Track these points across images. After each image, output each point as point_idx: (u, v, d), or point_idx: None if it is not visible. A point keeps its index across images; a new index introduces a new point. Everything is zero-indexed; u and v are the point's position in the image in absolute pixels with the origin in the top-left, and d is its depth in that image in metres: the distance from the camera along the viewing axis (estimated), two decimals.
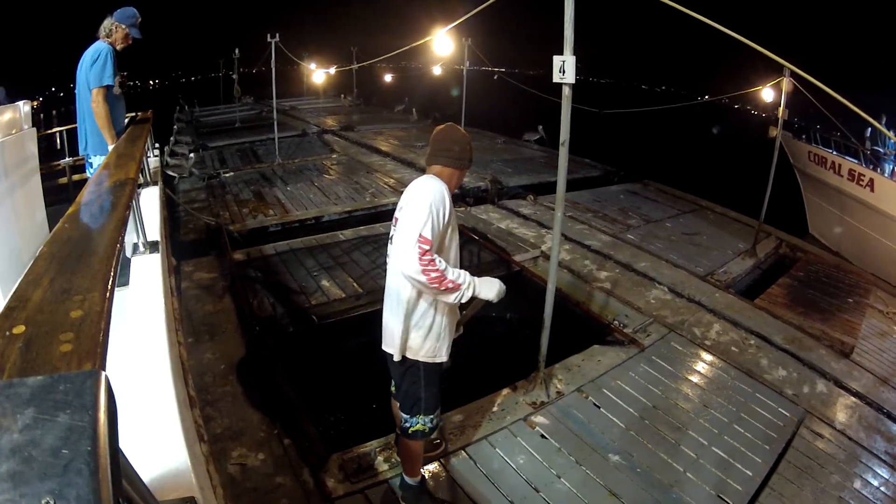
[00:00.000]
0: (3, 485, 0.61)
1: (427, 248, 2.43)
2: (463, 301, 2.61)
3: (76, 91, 4.69)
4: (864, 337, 5.44)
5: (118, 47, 4.62)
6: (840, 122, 9.62)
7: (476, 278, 2.62)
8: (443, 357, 2.80)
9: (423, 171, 2.80)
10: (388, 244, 2.80)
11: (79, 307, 1.10)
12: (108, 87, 4.46)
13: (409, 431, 2.88)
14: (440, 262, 2.47)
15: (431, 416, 2.88)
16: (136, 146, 3.71)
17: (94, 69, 4.37)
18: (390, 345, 2.79)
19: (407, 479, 3.10)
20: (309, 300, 5.55)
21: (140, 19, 4.73)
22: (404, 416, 2.88)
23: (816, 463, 3.68)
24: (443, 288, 2.47)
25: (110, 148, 4.37)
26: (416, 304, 2.65)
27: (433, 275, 2.43)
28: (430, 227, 2.45)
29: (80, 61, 4.56)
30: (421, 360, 2.74)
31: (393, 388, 3.09)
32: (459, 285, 2.52)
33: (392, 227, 2.77)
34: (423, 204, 2.48)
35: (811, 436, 3.95)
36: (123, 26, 4.61)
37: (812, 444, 3.86)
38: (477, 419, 3.86)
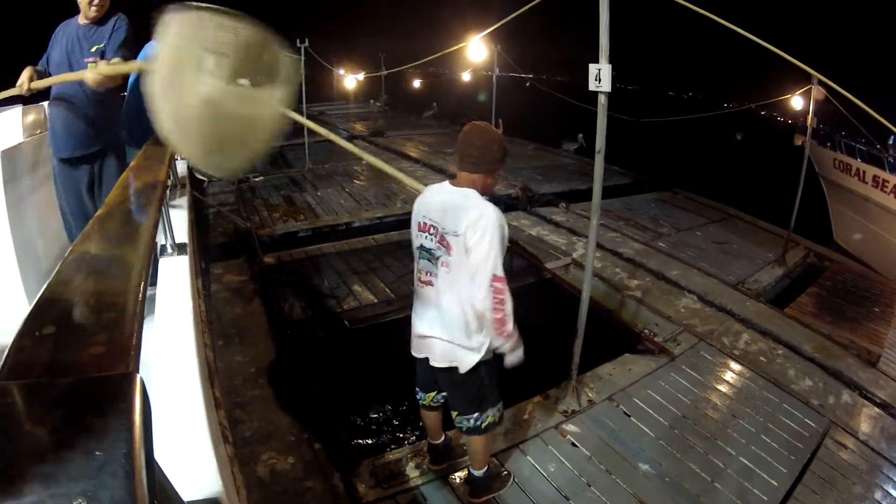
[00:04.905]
0: (33, 485, 0.60)
1: (501, 285, 2.39)
2: (502, 351, 2.54)
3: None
4: (891, 346, 5.38)
5: None
6: (866, 130, 9.47)
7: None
8: None
9: (453, 177, 2.73)
10: (423, 258, 2.74)
11: (110, 309, 1.09)
12: None
13: (483, 427, 2.81)
14: (509, 301, 2.41)
15: (499, 404, 2.85)
16: (165, 148, 3.72)
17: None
18: (446, 359, 2.67)
19: (476, 472, 3.06)
20: (340, 304, 5.57)
21: None
22: (472, 415, 2.78)
23: (840, 474, 3.64)
24: (503, 329, 2.43)
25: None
26: (482, 309, 2.49)
27: (498, 315, 2.39)
28: (501, 261, 2.42)
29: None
30: (488, 358, 2.65)
31: (429, 400, 3.05)
32: (516, 336, 2.49)
33: (427, 237, 2.70)
34: (491, 237, 2.40)
35: (835, 446, 3.91)
36: None
37: (836, 455, 3.82)
38: (508, 427, 3.81)
